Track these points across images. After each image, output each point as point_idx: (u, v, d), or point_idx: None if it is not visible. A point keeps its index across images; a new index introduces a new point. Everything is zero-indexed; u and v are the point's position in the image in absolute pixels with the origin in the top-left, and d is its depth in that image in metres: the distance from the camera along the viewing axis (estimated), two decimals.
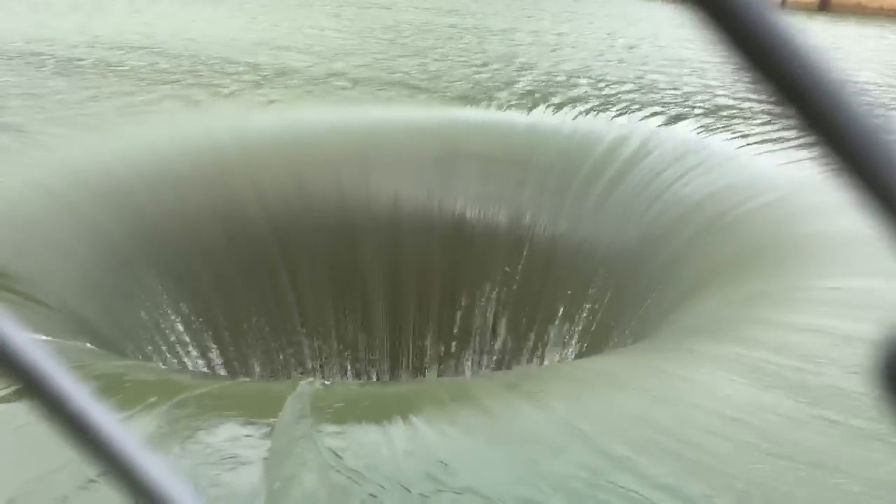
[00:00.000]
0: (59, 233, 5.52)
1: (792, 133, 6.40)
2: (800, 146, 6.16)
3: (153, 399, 3.17)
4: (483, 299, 7.32)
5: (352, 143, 7.80)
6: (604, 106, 8.58)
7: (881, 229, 0.25)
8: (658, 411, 2.98)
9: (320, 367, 7.34)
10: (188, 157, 7.04)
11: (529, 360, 6.86)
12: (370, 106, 9.05)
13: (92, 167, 6.29)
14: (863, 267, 3.96)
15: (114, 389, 3.30)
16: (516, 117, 8.25)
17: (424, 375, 7.44)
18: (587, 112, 8.28)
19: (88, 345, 4.40)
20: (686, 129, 7.53)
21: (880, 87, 10.59)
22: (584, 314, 6.43)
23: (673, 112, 8.38)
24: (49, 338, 3.93)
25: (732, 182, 6.00)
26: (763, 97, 0.24)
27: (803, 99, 0.23)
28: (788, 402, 3.04)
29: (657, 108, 8.48)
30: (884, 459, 2.64)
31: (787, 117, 0.24)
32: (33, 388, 0.34)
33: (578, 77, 10.77)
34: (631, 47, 14.40)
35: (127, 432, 0.35)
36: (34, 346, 0.35)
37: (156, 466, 0.35)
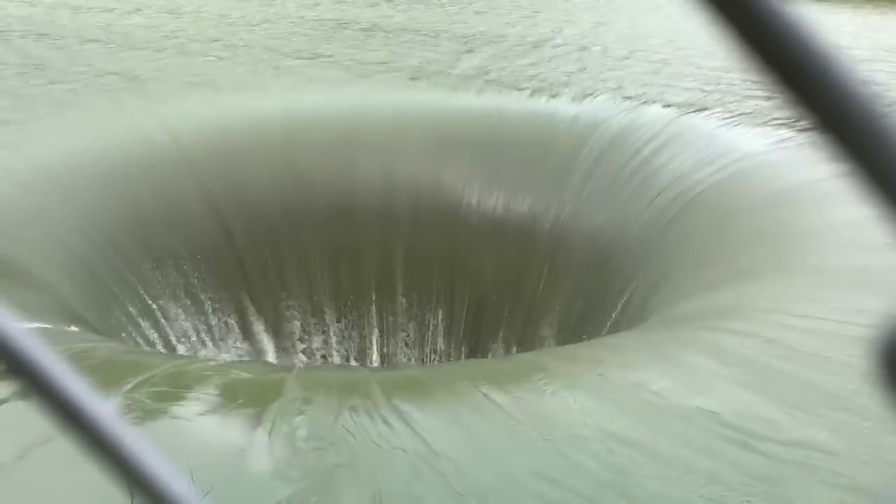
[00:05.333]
0: None
1: None
2: None
3: (149, 381, 3.17)
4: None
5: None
6: None
7: (885, 217, 0.25)
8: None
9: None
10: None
11: None
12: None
13: None
14: None
15: (107, 374, 3.30)
16: None
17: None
18: None
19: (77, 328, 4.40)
20: None
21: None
22: None
23: None
24: (42, 324, 3.92)
25: None
26: (769, 87, 0.23)
27: (809, 89, 0.23)
28: None
29: None
30: None
31: (792, 107, 0.23)
32: (31, 381, 0.34)
33: None
34: None
35: (125, 426, 0.35)
36: (30, 338, 0.35)
37: (153, 460, 0.35)
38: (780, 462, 2.60)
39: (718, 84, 8.89)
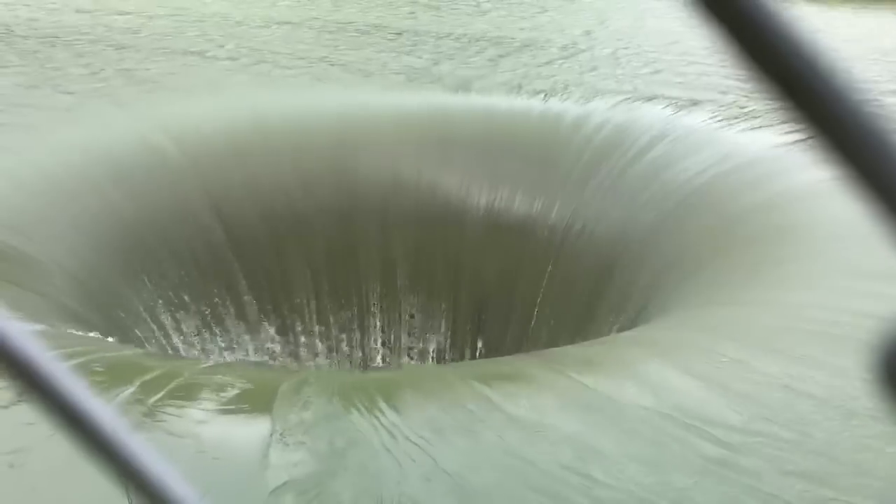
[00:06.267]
0: None
1: None
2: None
3: (151, 384, 3.18)
4: None
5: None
6: None
7: (881, 224, 0.25)
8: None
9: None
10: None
11: None
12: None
13: None
14: None
15: (107, 375, 3.30)
16: None
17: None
18: None
19: (94, 334, 4.40)
20: None
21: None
22: None
23: None
24: (43, 326, 3.92)
25: None
26: (763, 93, 0.23)
27: (804, 94, 0.23)
28: None
29: None
30: None
31: (787, 113, 0.23)
32: (30, 382, 0.34)
33: None
34: None
35: (124, 427, 0.35)
36: (30, 339, 0.35)
37: (152, 460, 0.35)
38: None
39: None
